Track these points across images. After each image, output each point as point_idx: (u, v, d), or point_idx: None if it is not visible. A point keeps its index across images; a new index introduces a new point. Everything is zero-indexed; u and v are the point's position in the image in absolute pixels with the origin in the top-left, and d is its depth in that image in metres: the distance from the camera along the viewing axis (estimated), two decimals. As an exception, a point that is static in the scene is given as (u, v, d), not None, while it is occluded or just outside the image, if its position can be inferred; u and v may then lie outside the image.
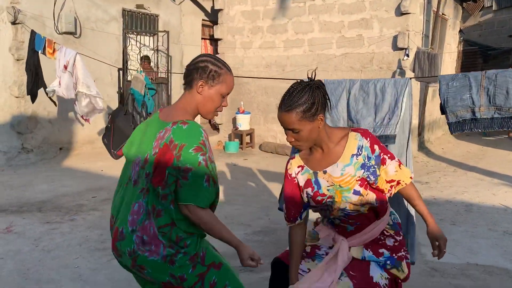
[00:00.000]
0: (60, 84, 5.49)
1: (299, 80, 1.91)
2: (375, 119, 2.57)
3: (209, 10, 10.15)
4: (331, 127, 2.00)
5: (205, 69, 1.81)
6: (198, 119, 8.84)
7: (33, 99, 5.99)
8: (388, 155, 1.97)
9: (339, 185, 1.90)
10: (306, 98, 1.83)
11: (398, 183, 1.99)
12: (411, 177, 2.02)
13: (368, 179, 1.92)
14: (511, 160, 8.09)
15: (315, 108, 1.84)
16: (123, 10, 8.41)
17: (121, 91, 5.92)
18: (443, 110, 2.59)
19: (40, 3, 7.10)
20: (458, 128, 2.52)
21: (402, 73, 7.71)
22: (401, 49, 7.68)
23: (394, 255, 1.99)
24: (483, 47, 13.15)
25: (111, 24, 8.23)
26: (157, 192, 1.73)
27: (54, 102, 6.03)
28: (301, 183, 2.00)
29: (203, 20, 10.23)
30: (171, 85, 8.78)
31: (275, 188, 5.90)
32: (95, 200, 5.30)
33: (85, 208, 4.98)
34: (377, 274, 1.93)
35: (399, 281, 2.01)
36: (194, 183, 1.69)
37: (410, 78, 2.58)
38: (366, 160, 1.91)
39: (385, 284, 1.92)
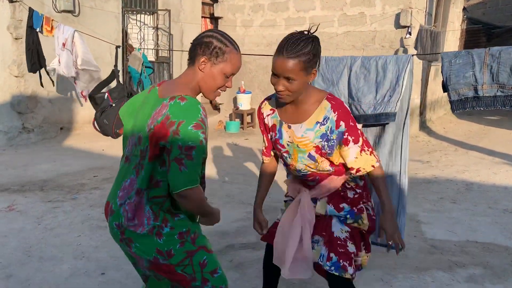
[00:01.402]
0: (59, 62, 5.46)
1: (299, 31, 1.89)
2: (375, 97, 2.54)
3: (209, -12, 10.00)
4: (311, 86, 2.02)
5: (209, 45, 1.69)
6: (199, 98, 8.80)
7: (41, 78, 5.96)
8: (353, 138, 1.93)
9: (297, 145, 1.98)
10: (310, 49, 1.83)
11: (358, 170, 1.98)
12: (373, 166, 1.98)
13: (322, 149, 1.96)
14: (512, 139, 8.08)
15: (314, 61, 1.88)
16: (122, -13, 8.28)
17: (117, 69, 5.83)
18: (445, 88, 2.56)
19: (38, -20, 7.00)
20: (460, 106, 2.49)
21: (405, 51, 7.63)
22: (404, 27, 7.59)
23: (354, 208, 2.07)
24: (487, 25, 12.97)
25: (110, 2, 8.11)
26: (156, 165, 1.66)
27: (52, 82, 5.99)
28: (269, 124, 2.10)
29: (203, -2, 10.08)
30: (173, 64, 8.71)
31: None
32: (96, 179, 5.32)
33: (86, 187, 5.00)
34: (338, 229, 2.04)
35: (364, 232, 2.11)
36: (197, 164, 1.59)
37: (413, 55, 2.55)
38: (328, 132, 1.94)
39: (346, 236, 2.03)
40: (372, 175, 2.00)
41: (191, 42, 1.76)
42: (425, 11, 8.27)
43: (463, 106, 2.48)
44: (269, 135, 2.11)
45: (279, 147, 2.05)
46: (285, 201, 2.28)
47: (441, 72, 2.51)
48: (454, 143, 7.82)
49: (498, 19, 14.17)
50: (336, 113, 1.92)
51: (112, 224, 1.75)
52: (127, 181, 1.73)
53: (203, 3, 10.10)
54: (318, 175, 2.05)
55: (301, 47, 1.81)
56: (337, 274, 1.96)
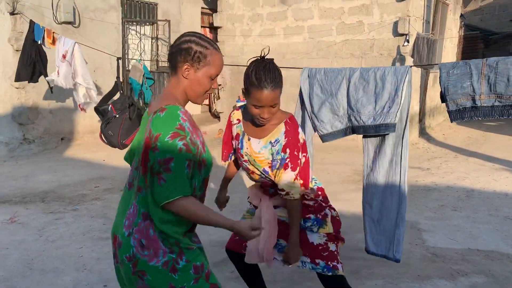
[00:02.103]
0: (58, 73, 5.50)
1: (256, 58, 2.04)
2: (375, 108, 2.57)
3: (208, -2, 10.08)
4: None
5: (189, 51, 1.63)
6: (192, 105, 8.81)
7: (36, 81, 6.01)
8: (292, 165, 2.07)
9: (254, 159, 2.13)
10: (279, 72, 2.02)
11: (287, 194, 2.11)
12: (299, 194, 2.11)
13: (271, 166, 2.10)
14: (512, 145, 8.09)
15: (282, 81, 2.05)
16: (122, -2, 8.35)
17: (120, 80, 5.87)
18: (443, 98, 2.59)
19: (38, -8, 7.06)
20: (458, 116, 2.52)
21: (402, 59, 7.67)
22: (402, 35, 7.63)
23: (318, 215, 2.24)
24: (484, 31, 13.05)
25: (110, 13, 8.17)
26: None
27: (51, 88, 6.02)
28: (234, 133, 2.25)
29: (202, 8, 10.16)
30: (171, 74, 8.75)
31: (277, 176, 5.91)
32: (98, 189, 5.32)
33: (87, 198, 5.00)
34: (315, 237, 2.22)
35: (334, 234, 2.26)
36: (178, 175, 1.53)
37: (411, 66, 2.57)
38: (275, 153, 2.09)
39: (325, 240, 2.23)
40: (292, 203, 2.11)
41: (169, 49, 1.71)
42: (423, 19, 8.33)
43: (461, 116, 2.50)
44: (233, 141, 2.26)
45: (239, 155, 2.21)
46: (247, 210, 2.44)
47: (439, 82, 2.53)
48: (454, 149, 7.83)
49: (495, 25, 14.26)
50: (286, 139, 2.07)
51: (122, 257, 1.62)
52: (131, 208, 1.65)
53: (203, 13, 10.18)
54: (275, 185, 2.18)
55: (276, 75, 1.98)
56: (330, 274, 2.19)
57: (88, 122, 7.94)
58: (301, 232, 2.22)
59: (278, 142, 2.07)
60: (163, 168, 1.52)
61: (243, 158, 2.18)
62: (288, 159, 2.05)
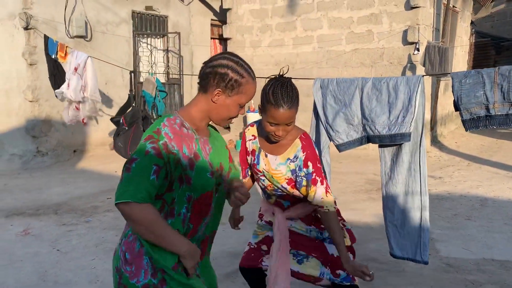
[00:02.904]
0: (68, 86, 5.57)
1: (275, 76, 2.06)
2: (389, 117, 2.57)
3: (217, 10, 10.17)
4: None
5: (224, 77, 1.56)
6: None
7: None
8: (320, 179, 2.08)
9: (272, 176, 2.15)
10: (297, 92, 2.04)
11: (322, 207, 2.10)
12: (334, 207, 2.11)
13: (295, 183, 2.12)
14: (526, 153, 7.98)
15: (298, 100, 2.06)
16: (133, 12, 8.47)
17: (133, 93, 5.99)
18: (457, 107, 2.59)
19: (52, 8, 7.19)
20: (472, 125, 2.51)
21: (413, 67, 7.65)
22: (412, 43, 7.62)
23: None
24: (496, 38, 12.95)
25: (121, 26, 8.29)
26: None
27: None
28: (249, 149, 2.25)
29: (212, 20, 10.26)
30: (183, 86, 8.83)
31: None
32: (110, 201, 5.36)
33: (100, 210, 5.04)
34: (333, 248, 2.19)
35: (350, 246, 2.26)
36: (135, 177, 1.43)
37: (423, 76, 2.57)
38: (297, 169, 2.10)
39: None
40: (329, 216, 2.10)
41: (204, 65, 1.63)
42: (433, 27, 8.31)
43: (476, 125, 2.50)
44: (248, 157, 2.26)
45: (256, 171, 2.21)
46: (258, 225, 2.41)
47: (452, 92, 2.53)
48: (466, 157, 7.75)
49: (507, 32, 14.14)
50: (304, 153, 2.09)
51: (113, 266, 1.60)
52: None
53: (212, 25, 10.28)
54: (291, 198, 2.20)
55: (292, 94, 2.00)
56: (348, 284, 2.20)
57: (100, 135, 8.03)
58: (319, 242, 2.24)
59: (297, 157, 2.09)
60: (125, 167, 1.47)
61: (260, 173, 2.20)
62: (314, 173, 2.07)
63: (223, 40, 10.25)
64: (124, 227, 1.64)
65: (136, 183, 1.43)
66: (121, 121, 5.61)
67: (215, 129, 1.82)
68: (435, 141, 8.96)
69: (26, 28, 6.95)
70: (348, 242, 2.24)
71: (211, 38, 10.37)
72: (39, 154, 7.27)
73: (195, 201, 1.59)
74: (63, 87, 5.74)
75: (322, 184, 2.08)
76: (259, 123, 2.23)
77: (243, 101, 1.62)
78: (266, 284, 2.44)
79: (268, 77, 2.08)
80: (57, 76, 5.89)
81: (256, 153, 2.21)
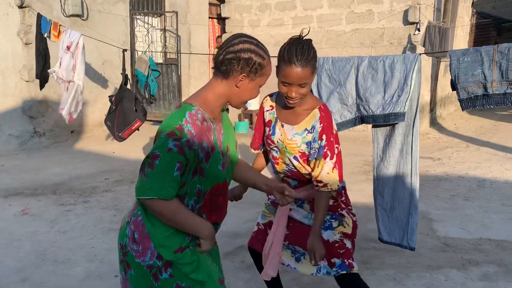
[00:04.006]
0: (60, 65, 5.44)
1: (296, 36, 1.96)
2: (384, 97, 2.53)
3: (216, -11, 10.02)
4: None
5: (248, 62, 1.56)
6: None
7: (43, 84, 5.95)
8: (330, 153, 2.02)
9: (286, 146, 2.08)
10: (314, 53, 1.93)
11: (325, 185, 2.03)
12: (337, 185, 2.05)
13: (307, 155, 2.05)
14: (525, 134, 7.98)
15: (316, 63, 1.97)
16: (129, -10, 8.33)
17: (126, 73, 5.88)
18: (454, 87, 2.54)
19: (46, -15, 7.07)
20: (469, 104, 2.47)
21: (413, 48, 7.58)
22: (412, 23, 7.53)
23: (335, 212, 2.16)
24: (497, 19, 12.83)
25: (118, 5, 8.17)
26: None
27: (41, 85, 5.95)
28: (266, 119, 2.19)
29: (210, -2, 10.10)
30: (181, 65, 8.74)
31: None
32: (108, 181, 5.36)
33: (98, 190, 5.04)
34: (330, 234, 2.12)
35: (349, 238, 2.17)
36: (160, 174, 1.46)
37: (420, 54, 2.53)
38: (312, 141, 2.03)
39: (340, 237, 2.13)
40: (322, 194, 2.03)
41: (222, 51, 1.59)
42: (434, 7, 8.20)
43: (473, 104, 2.45)
44: (265, 128, 2.20)
45: (269, 142, 2.15)
46: (266, 206, 2.35)
47: (450, 70, 2.48)
48: (465, 139, 7.75)
49: (508, 13, 14.00)
50: (321, 125, 2.02)
51: (118, 242, 1.63)
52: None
53: (210, 4, 10.12)
54: (300, 177, 2.13)
55: (308, 54, 1.90)
56: (345, 272, 2.09)
57: (97, 115, 7.98)
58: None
59: (314, 128, 2.02)
60: (148, 162, 1.48)
61: (273, 144, 2.13)
62: (326, 147, 2.00)
63: (221, 20, 10.11)
64: (133, 205, 1.64)
65: (160, 180, 1.47)
66: (111, 100, 5.54)
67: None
68: (434, 123, 8.95)
69: (20, 7, 6.84)
70: (349, 230, 2.15)
71: (209, 18, 10.23)
72: (36, 134, 7.23)
73: (206, 193, 1.61)
74: (56, 66, 5.63)
75: (331, 159, 2.00)
76: (277, 94, 2.17)
77: (263, 83, 1.65)
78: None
79: (290, 38, 1.99)
80: (47, 56, 5.77)
81: (272, 123, 2.15)
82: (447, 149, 7.04)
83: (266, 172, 3.17)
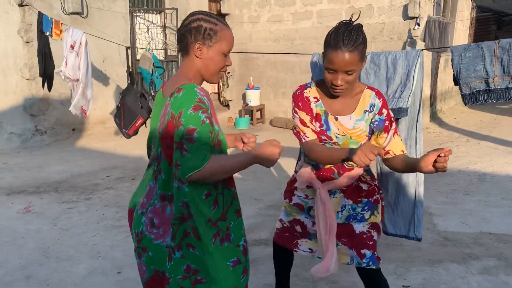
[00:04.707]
0: (66, 64, 5.49)
1: (342, 22, 1.87)
2: (387, 92, 2.55)
3: (215, -15, 10.00)
4: None
5: (198, 29, 1.59)
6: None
7: (48, 83, 5.96)
8: (390, 124, 1.99)
9: (350, 136, 1.97)
10: (363, 38, 1.83)
11: (387, 153, 2.00)
12: (402, 150, 2.01)
13: (368, 135, 2.00)
14: (525, 128, 7.98)
15: (365, 49, 1.87)
16: (129, -13, 8.33)
17: (130, 70, 5.92)
18: (456, 82, 2.56)
19: (46, -17, 7.07)
20: (472, 99, 2.49)
21: (413, 43, 7.57)
22: (412, 18, 7.52)
23: (370, 199, 2.11)
24: (497, 13, 12.79)
25: (118, 2, 8.17)
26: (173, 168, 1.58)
27: (50, 88, 6.01)
28: (314, 112, 2.02)
29: (209, -5, 10.09)
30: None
31: (287, 163, 5.92)
32: (110, 179, 5.38)
33: (100, 187, 5.06)
34: (359, 226, 2.09)
35: (378, 223, 2.15)
36: (201, 145, 1.50)
37: (422, 50, 2.54)
38: (373, 118, 1.98)
39: (368, 228, 2.10)
40: (399, 157, 1.99)
41: (177, 30, 1.66)
42: (434, 1, 8.19)
43: (475, 99, 2.47)
44: (313, 123, 2.01)
45: (324, 137, 1.99)
46: (289, 205, 2.24)
47: (452, 66, 2.50)
48: (465, 133, 7.76)
49: (508, 6, 13.96)
50: (380, 99, 1.98)
51: (132, 232, 1.69)
52: (148, 187, 1.68)
53: (210, 0, 10.11)
54: (347, 170, 2.05)
55: (357, 39, 1.79)
56: (374, 267, 2.04)
57: (98, 113, 8.00)
58: (347, 225, 2.10)
59: (374, 105, 1.96)
60: (186, 138, 1.49)
61: (331, 140, 1.99)
62: (387, 120, 1.95)
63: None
64: (147, 197, 1.67)
65: (204, 151, 1.50)
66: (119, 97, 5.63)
67: None
68: (434, 117, 8.95)
69: (21, 5, 6.84)
70: (379, 218, 2.12)
71: (209, 14, 10.22)
72: (38, 132, 7.26)
73: None
74: (62, 65, 5.67)
75: (392, 127, 1.95)
76: (311, 84, 2.05)
77: (225, 49, 1.64)
78: (291, 264, 2.39)
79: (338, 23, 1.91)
80: (46, 55, 5.79)
81: (323, 117, 1.99)
82: (448, 143, 7.05)
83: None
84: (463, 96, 2.53)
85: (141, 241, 1.65)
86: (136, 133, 5.53)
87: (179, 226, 1.60)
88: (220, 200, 1.64)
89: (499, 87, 2.38)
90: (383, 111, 1.98)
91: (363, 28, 1.89)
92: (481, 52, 2.39)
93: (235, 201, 1.72)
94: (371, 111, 1.97)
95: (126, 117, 5.53)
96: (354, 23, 1.84)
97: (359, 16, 1.91)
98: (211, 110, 1.58)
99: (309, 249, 2.20)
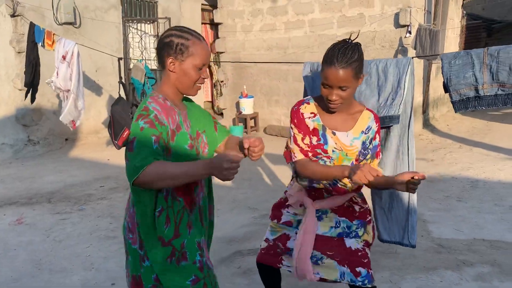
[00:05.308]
0: (57, 74, 5.49)
1: (341, 40, 1.93)
2: (378, 100, 2.56)
3: (208, -6, 10.06)
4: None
5: (170, 45, 1.65)
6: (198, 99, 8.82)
7: (32, 94, 5.97)
8: (379, 151, 2.08)
9: (346, 153, 2.01)
10: (358, 56, 1.88)
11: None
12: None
13: (360, 157, 2.04)
14: (516, 134, 8.06)
15: (362, 67, 1.92)
16: (122, -3, 8.35)
17: (123, 80, 5.93)
18: (446, 89, 2.59)
19: (38, -6, 7.07)
20: (462, 106, 2.52)
21: (404, 50, 7.64)
22: (403, 26, 7.59)
23: (363, 219, 2.15)
24: (487, 20, 12.96)
25: (110, 12, 8.18)
26: None
27: (33, 99, 6.01)
28: (310, 128, 2.05)
29: (202, 4, 10.14)
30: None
31: (281, 171, 5.93)
32: (103, 189, 5.35)
33: (93, 198, 5.03)
34: (353, 242, 2.10)
35: (369, 247, 2.17)
36: (140, 150, 1.52)
37: (412, 57, 2.57)
38: (368, 142, 2.03)
39: (362, 246, 2.11)
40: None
41: (155, 48, 1.75)
42: (424, 9, 8.28)
43: (465, 106, 2.51)
44: (311, 137, 2.04)
45: (319, 151, 2.02)
46: (275, 223, 2.25)
47: (442, 73, 2.53)
48: (458, 140, 7.81)
49: (497, 14, 14.16)
50: (377, 124, 2.04)
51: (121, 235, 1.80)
52: (129, 196, 1.75)
53: (203, 10, 10.16)
54: (337, 189, 2.08)
55: (351, 55, 1.85)
56: (370, 286, 2.04)
57: (91, 123, 7.98)
58: (338, 240, 2.11)
59: (370, 128, 2.02)
60: (127, 149, 1.56)
61: (326, 154, 2.02)
62: (378, 147, 2.04)
63: (214, 25, 10.15)
64: (127, 202, 1.76)
65: (142, 154, 1.51)
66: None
67: (191, 100, 1.90)
68: (427, 124, 9.01)
69: (13, 16, 6.83)
70: (370, 238, 2.15)
71: (202, 23, 10.27)
72: (30, 143, 7.21)
73: None
74: (53, 76, 5.66)
75: (379, 157, 2.07)
76: (310, 99, 2.09)
77: (198, 62, 1.67)
78: (280, 280, 2.36)
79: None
80: (37, 66, 5.80)
81: (320, 132, 2.02)
82: (440, 150, 7.10)
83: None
84: (453, 103, 2.57)
85: (126, 244, 1.74)
86: (125, 144, 5.51)
87: (146, 230, 1.67)
88: (171, 215, 1.66)
89: (488, 94, 2.42)
90: (376, 137, 2.05)
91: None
92: (470, 60, 2.43)
93: (185, 213, 1.71)
94: (366, 133, 2.03)
95: (115, 128, 5.54)
96: (352, 42, 1.91)
97: (357, 36, 1.96)
98: (160, 114, 1.60)
99: (288, 266, 2.19)
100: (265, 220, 4.29)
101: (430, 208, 4.46)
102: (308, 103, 2.08)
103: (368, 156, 2.04)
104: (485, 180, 5.37)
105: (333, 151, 2.01)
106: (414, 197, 2.69)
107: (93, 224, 4.22)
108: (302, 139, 2.04)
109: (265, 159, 6.86)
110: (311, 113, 2.05)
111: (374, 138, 2.04)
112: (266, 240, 2.26)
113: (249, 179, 5.73)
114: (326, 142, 2.01)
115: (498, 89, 2.40)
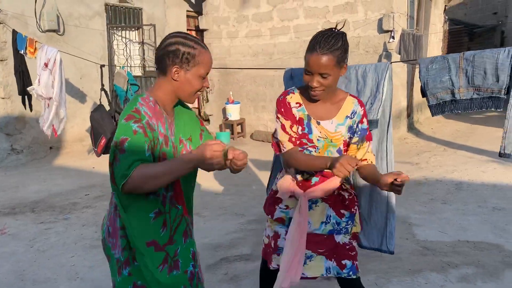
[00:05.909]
0: (39, 82, 5.42)
1: (327, 28, 1.94)
2: None
3: (193, 1, 10.07)
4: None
5: (176, 53, 1.61)
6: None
7: (28, 100, 5.90)
8: (369, 134, 2.10)
9: (331, 140, 2.04)
10: (342, 44, 1.89)
11: (365, 160, 2.09)
12: (372, 161, 2.12)
13: (347, 140, 2.07)
14: (499, 136, 8.16)
15: (345, 56, 1.93)
16: (106, 4, 8.31)
17: (104, 88, 5.90)
18: (424, 93, 2.64)
19: (21, 1, 6.99)
20: (438, 110, 2.57)
21: (388, 55, 7.73)
22: (387, 31, 7.69)
23: (352, 210, 2.15)
24: (469, 25, 13.19)
25: (95, 19, 8.14)
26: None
27: (30, 106, 5.95)
28: (296, 117, 2.06)
29: (187, 11, 10.15)
30: (159, 79, 8.71)
31: (268, 177, 5.93)
32: (88, 197, 5.30)
33: (78, 206, 4.98)
34: (341, 237, 2.13)
35: (355, 239, 2.22)
36: (132, 153, 1.49)
37: (391, 63, 2.60)
38: (355, 125, 2.06)
39: (348, 240, 2.14)
40: (372, 166, 2.09)
41: (157, 51, 1.69)
42: (407, 15, 8.40)
43: (441, 110, 2.55)
44: (295, 127, 2.06)
45: (305, 141, 2.05)
46: (271, 220, 2.24)
47: (419, 77, 2.57)
48: (442, 143, 7.91)
49: (479, 19, 14.42)
50: (362, 108, 2.06)
51: (101, 237, 1.77)
52: (111, 198, 1.71)
53: (188, 16, 10.17)
54: (326, 173, 2.07)
55: (333, 43, 1.86)
56: (354, 277, 2.09)
57: (76, 130, 7.90)
58: (328, 237, 2.12)
59: (355, 112, 2.04)
60: (117, 148, 1.51)
61: (311, 143, 2.04)
62: (368, 129, 2.06)
63: (200, 32, 10.16)
64: (109, 204, 1.72)
65: (130, 159, 1.48)
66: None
67: (183, 105, 1.85)
68: (411, 128, 9.11)
69: (-5, 23, 6.76)
70: (358, 228, 2.17)
71: (188, 30, 10.27)
72: (13, 152, 7.11)
73: (175, 181, 1.63)
74: (35, 83, 5.60)
75: (371, 140, 2.09)
76: (294, 90, 2.09)
77: (202, 72, 1.66)
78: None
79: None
80: (24, 73, 5.74)
81: (305, 121, 2.04)
82: (425, 153, 7.18)
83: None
84: (430, 107, 2.62)
85: (105, 248, 1.72)
86: (104, 151, 5.44)
87: (126, 239, 1.63)
88: (167, 221, 1.64)
89: (464, 97, 2.47)
90: (363, 120, 2.07)
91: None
92: (447, 64, 2.48)
93: (183, 221, 1.70)
94: (351, 118, 2.05)
95: (95, 135, 5.50)
96: (336, 30, 1.92)
97: (343, 26, 1.98)
98: (151, 119, 1.57)
99: (277, 265, 2.16)
100: (252, 225, 4.29)
101: (415, 211, 4.51)
102: (293, 93, 2.09)
103: (357, 139, 2.05)
104: (469, 182, 5.44)
105: (318, 140, 2.03)
106: (392, 202, 2.70)
107: (78, 233, 4.17)
108: (291, 127, 2.05)
109: (251, 164, 6.86)
110: (297, 103, 2.07)
111: (361, 121, 2.05)
112: (268, 236, 2.27)
113: (236, 185, 5.73)
114: (310, 132, 2.03)
115: (473, 93, 2.45)
